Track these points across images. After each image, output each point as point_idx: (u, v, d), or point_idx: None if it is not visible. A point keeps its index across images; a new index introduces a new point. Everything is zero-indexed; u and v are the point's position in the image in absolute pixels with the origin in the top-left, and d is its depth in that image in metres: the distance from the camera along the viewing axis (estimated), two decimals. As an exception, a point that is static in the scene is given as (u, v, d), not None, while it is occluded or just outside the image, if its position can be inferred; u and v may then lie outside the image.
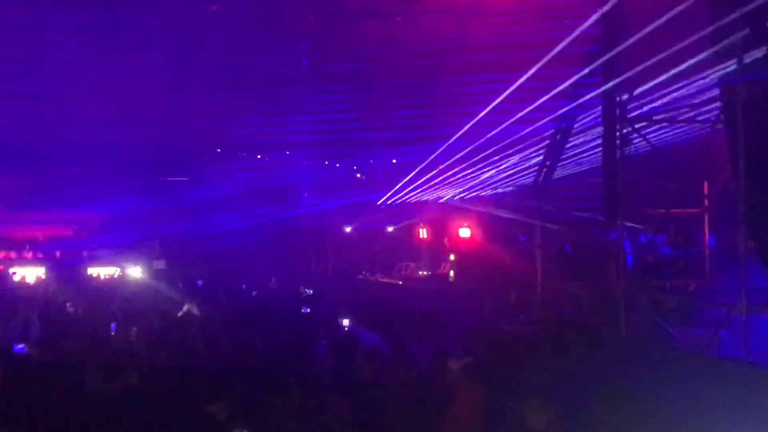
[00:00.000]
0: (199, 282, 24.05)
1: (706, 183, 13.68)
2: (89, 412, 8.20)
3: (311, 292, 22.87)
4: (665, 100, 14.55)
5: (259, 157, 33.34)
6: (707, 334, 10.85)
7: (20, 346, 12.45)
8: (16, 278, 28.34)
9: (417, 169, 24.58)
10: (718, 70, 11.71)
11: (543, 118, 17.99)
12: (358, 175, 33.98)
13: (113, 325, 14.63)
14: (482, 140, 20.13)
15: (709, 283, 14.14)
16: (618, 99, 12.60)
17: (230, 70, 28.08)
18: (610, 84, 12.49)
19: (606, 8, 12.54)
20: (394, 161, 30.72)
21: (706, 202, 13.90)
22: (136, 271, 28.17)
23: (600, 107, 13.73)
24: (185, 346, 12.01)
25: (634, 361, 9.92)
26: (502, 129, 19.10)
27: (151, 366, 10.17)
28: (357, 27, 27.09)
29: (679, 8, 10.71)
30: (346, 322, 14.84)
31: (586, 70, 14.29)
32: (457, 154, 21.73)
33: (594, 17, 12.85)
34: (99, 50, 26.93)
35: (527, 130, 18.31)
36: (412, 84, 26.28)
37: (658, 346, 11.45)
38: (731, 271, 10.63)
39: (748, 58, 10.19)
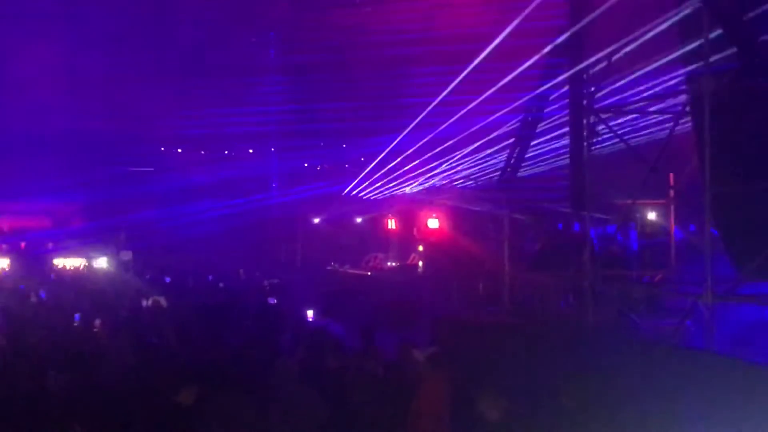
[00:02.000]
0: (167, 279, 23.85)
1: (671, 174, 13.73)
2: (52, 406, 8.11)
3: (275, 282, 22.80)
4: (632, 91, 14.62)
5: (226, 152, 33.18)
6: (673, 324, 10.91)
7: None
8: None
9: (384, 160, 24.58)
10: (685, 62, 11.76)
11: (509, 110, 18.04)
12: (318, 167, 33.89)
13: (77, 315, 14.45)
14: (449, 130, 20.15)
15: (674, 273, 14.21)
16: (585, 90, 12.64)
17: (198, 60, 27.93)
18: (575, 69, 12.50)
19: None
20: (362, 154, 30.66)
21: (672, 193, 13.96)
22: (102, 262, 27.93)
23: (567, 99, 13.78)
24: (151, 337, 11.90)
25: (600, 352, 9.94)
26: (468, 120, 19.13)
27: (115, 357, 10.06)
28: (325, 17, 26.99)
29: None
30: (310, 313, 14.78)
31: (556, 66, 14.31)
32: (424, 144, 21.75)
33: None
34: (64, 40, 26.66)
35: (492, 120, 18.34)
36: (380, 74, 26.25)
37: (625, 337, 11.50)
38: (696, 261, 10.69)
39: (713, 52, 10.23)
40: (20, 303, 16.34)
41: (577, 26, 12.47)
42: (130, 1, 25.59)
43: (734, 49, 10.42)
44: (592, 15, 12.37)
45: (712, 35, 10.15)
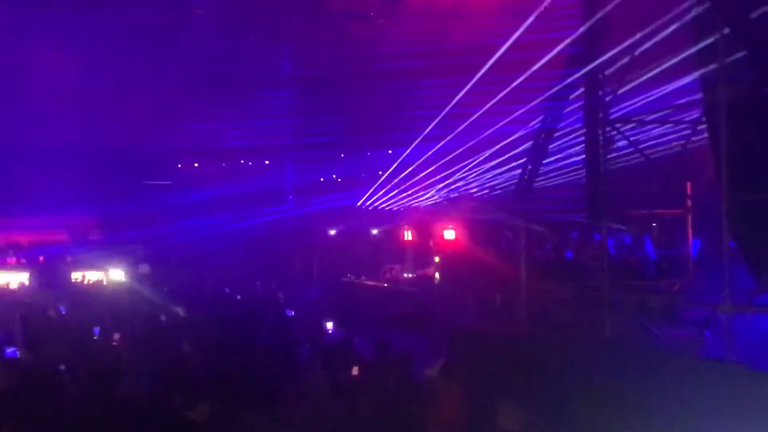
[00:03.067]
0: (184, 291, 23.91)
1: (689, 183, 13.68)
2: (71, 418, 8.14)
3: (292, 294, 22.86)
4: (648, 101, 14.59)
5: (242, 165, 33.29)
6: (691, 335, 10.86)
7: (11, 349, 12.40)
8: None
9: (399, 170, 24.61)
10: (701, 71, 11.73)
11: (526, 119, 18.03)
12: (334, 179, 33.92)
13: (96, 329, 14.52)
14: (464, 140, 20.16)
15: (692, 283, 14.14)
16: (601, 100, 12.62)
17: (214, 74, 28.05)
18: (588, 67, 12.48)
19: (588, 10, 12.57)
20: (378, 166, 30.70)
21: (689, 203, 13.91)
22: (120, 276, 28.03)
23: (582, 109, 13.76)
24: (169, 351, 11.94)
25: (618, 362, 9.91)
26: (483, 129, 19.13)
27: (133, 370, 10.10)
28: (340, 30, 27.08)
29: (659, 6, 10.71)
30: (330, 325, 14.77)
31: (570, 74, 14.30)
32: (439, 153, 21.76)
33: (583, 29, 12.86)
34: (82, 54, 26.84)
35: (506, 129, 18.34)
36: (394, 86, 26.31)
37: (643, 347, 11.46)
38: (714, 271, 10.64)
39: (729, 58, 10.21)
40: (40, 317, 16.41)
41: (590, 29, 12.44)
42: (148, 16, 25.71)
43: (750, 58, 10.39)
44: (605, 22, 12.33)
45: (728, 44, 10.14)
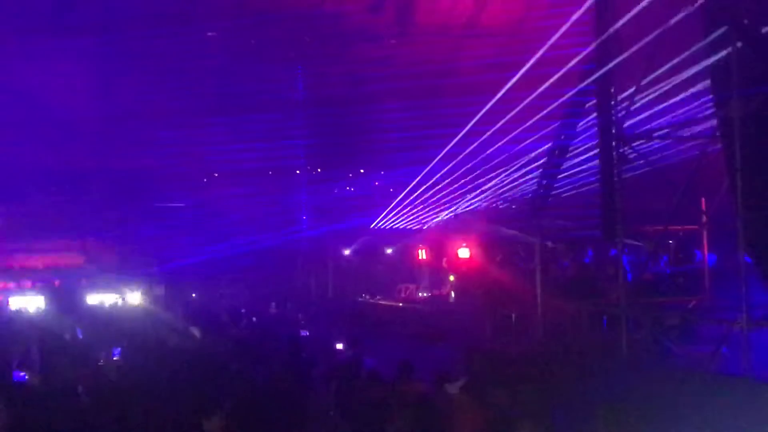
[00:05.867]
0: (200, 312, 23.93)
1: (703, 199, 13.63)
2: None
3: (309, 314, 22.83)
4: (662, 116, 14.57)
5: (256, 187, 33.34)
6: (708, 351, 10.79)
7: (21, 374, 12.41)
8: (16, 307, 28.21)
9: (413, 189, 24.64)
10: (715, 85, 11.72)
11: (540, 137, 18.05)
12: (349, 188, 33.89)
13: (115, 351, 14.55)
14: (479, 159, 20.18)
15: (708, 299, 14.07)
16: (614, 116, 12.61)
17: (227, 96, 28.18)
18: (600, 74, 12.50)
19: (599, 27, 12.58)
20: (391, 185, 30.72)
21: (704, 218, 13.85)
22: (135, 298, 28.08)
23: (596, 125, 13.76)
24: (182, 373, 11.94)
25: (636, 380, 9.87)
26: (499, 148, 19.14)
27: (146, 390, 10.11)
28: (352, 50, 27.18)
29: (672, 22, 10.72)
30: (339, 346, 14.76)
31: (582, 88, 14.31)
32: (453, 172, 21.79)
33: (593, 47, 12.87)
34: (97, 77, 27.02)
35: (521, 147, 18.36)
36: (409, 105, 26.37)
37: (660, 364, 11.39)
38: (731, 286, 10.59)
39: (743, 72, 10.19)
40: (56, 341, 16.44)
41: (610, 66, 12.46)
42: (162, 39, 25.89)
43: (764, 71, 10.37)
44: (617, 39, 12.35)
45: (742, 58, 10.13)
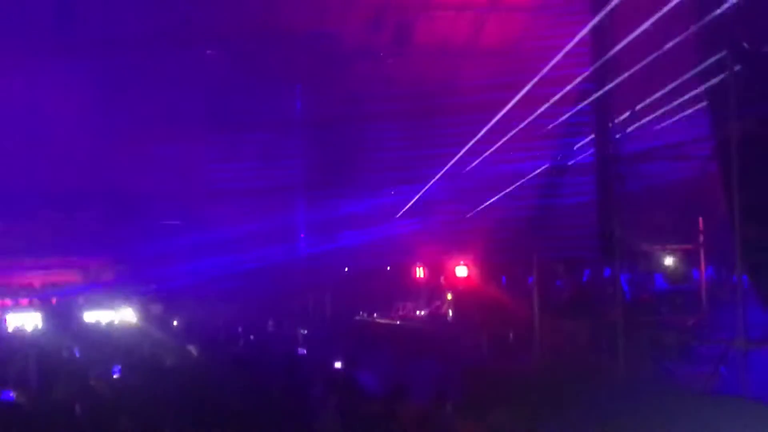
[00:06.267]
0: (195, 331, 23.90)
1: (701, 218, 13.66)
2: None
3: (306, 332, 22.79)
4: (659, 136, 14.62)
5: (253, 205, 33.34)
6: (706, 371, 10.79)
7: (9, 393, 12.36)
8: (13, 325, 28.16)
9: (412, 207, 24.68)
10: (711, 106, 11.77)
11: (537, 157, 18.10)
12: (345, 214, 33.89)
13: (115, 368, 14.54)
14: (476, 178, 20.22)
15: (706, 318, 14.08)
16: (611, 137, 12.67)
17: (225, 114, 28.23)
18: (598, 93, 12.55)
19: (597, 50, 12.66)
20: (389, 204, 30.73)
21: (701, 238, 13.88)
22: (132, 316, 28.04)
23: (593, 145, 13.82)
24: (179, 389, 11.92)
25: (633, 400, 9.85)
26: (496, 167, 19.18)
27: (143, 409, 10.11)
28: (350, 69, 27.25)
29: (669, 44, 10.78)
30: (338, 364, 14.76)
31: (580, 108, 14.37)
32: (451, 190, 21.83)
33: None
34: (96, 96, 27.04)
35: (519, 166, 18.40)
36: (406, 125, 26.44)
37: (658, 384, 11.39)
38: (728, 306, 10.61)
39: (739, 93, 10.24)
40: (53, 359, 16.41)
41: (600, 68, 12.52)
42: (159, 59, 25.95)
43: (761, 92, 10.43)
44: (615, 60, 12.41)
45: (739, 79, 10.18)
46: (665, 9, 11.03)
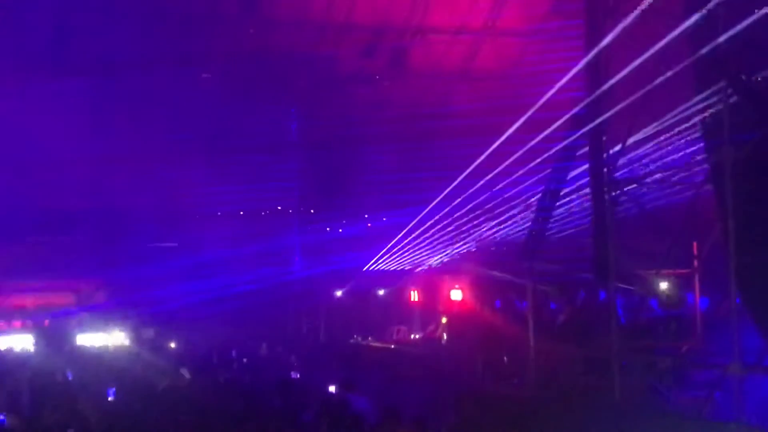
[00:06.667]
0: (190, 354, 23.83)
1: (695, 243, 13.67)
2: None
3: (300, 356, 22.75)
4: (654, 161, 14.67)
5: (248, 227, 33.33)
6: (701, 396, 10.78)
7: (1, 416, 12.31)
8: (5, 346, 28.04)
9: (408, 233, 24.68)
10: (705, 132, 11.82)
11: (531, 181, 18.13)
12: (340, 238, 33.92)
13: (109, 391, 14.49)
14: (470, 203, 20.24)
15: (701, 343, 14.06)
16: (605, 161, 12.70)
17: (219, 137, 28.26)
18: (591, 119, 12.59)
19: (592, 78, 12.72)
20: (385, 227, 30.74)
21: (696, 263, 13.88)
22: (125, 339, 27.96)
23: (588, 169, 13.84)
24: (172, 414, 11.89)
25: (628, 425, 9.82)
26: (490, 191, 19.21)
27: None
28: (346, 93, 27.34)
29: (665, 75, 10.84)
30: (332, 388, 14.71)
31: (574, 135, 14.42)
32: (445, 216, 21.85)
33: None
34: (89, 118, 27.04)
35: (515, 190, 18.44)
36: (401, 148, 26.50)
37: (652, 409, 11.37)
38: (723, 331, 10.60)
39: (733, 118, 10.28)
40: (46, 381, 16.34)
41: (594, 92, 12.58)
42: (154, 81, 25.98)
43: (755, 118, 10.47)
44: (609, 85, 12.47)
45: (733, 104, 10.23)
46: (661, 43, 11.07)
